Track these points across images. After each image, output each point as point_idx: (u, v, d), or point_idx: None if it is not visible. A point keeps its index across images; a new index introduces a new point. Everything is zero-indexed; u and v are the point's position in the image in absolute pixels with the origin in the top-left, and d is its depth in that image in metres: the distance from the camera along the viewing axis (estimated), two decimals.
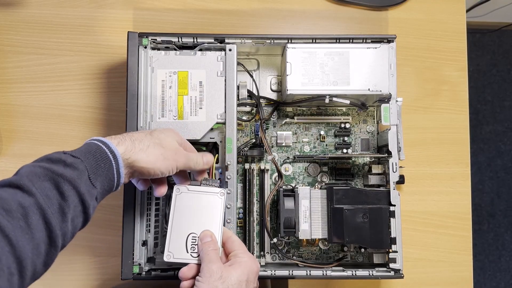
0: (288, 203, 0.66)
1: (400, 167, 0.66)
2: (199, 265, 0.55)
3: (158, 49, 0.67)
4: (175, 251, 0.57)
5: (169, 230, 0.58)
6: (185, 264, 0.56)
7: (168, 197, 0.68)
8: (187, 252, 0.57)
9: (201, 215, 0.59)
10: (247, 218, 0.71)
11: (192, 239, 0.57)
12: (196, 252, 0.57)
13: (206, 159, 0.61)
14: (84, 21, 0.78)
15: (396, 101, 0.66)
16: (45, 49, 0.78)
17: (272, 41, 0.67)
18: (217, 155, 0.67)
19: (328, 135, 0.74)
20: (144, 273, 0.63)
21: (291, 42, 0.66)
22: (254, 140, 0.70)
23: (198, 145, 0.68)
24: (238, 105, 0.70)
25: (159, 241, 0.68)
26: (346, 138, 0.73)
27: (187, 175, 0.61)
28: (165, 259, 0.57)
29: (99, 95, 0.77)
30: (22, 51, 0.78)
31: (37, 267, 0.41)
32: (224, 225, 0.61)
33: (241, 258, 0.55)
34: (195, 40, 0.66)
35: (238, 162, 0.72)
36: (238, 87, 0.67)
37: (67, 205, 0.43)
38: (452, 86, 0.79)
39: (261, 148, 0.71)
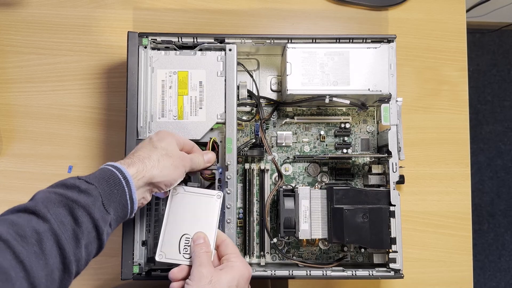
0: (288, 203, 0.66)
1: (400, 167, 0.66)
2: (190, 266, 0.55)
3: (158, 49, 0.67)
4: (167, 251, 0.57)
5: (163, 230, 0.58)
6: (177, 265, 0.56)
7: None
8: (180, 253, 0.57)
9: (196, 217, 0.59)
10: (247, 218, 0.71)
11: (186, 240, 0.57)
12: (189, 254, 0.57)
13: (207, 158, 0.61)
14: (84, 21, 0.78)
15: (396, 101, 0.66)
16: (45, 49, 0.78)
17: (272, 41, 0.67)
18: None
19: (328, 135, 0.74)
20: (144, 273, 0.63)
21: (291, 42, 0.66)
22: (254, 140, 0.70)
23: (198, 145, 0.67)
24: (238, 105, 0.70)
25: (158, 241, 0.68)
26: (346, 138, 0.73)
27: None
28: (157, 258, 0.57)
29: (99, 95, 0.77)
30: (22, 51, 0.78)
31: None
32: (220, 228, 0.61)
33: (233, 262, 0.54)
34: (195, 40, 0.66)
35: (238, 162, 0.72)
36: (238, 87, 0.67)
37: (81, 231, 0.44)
38: (452, 86, 0.79)
39: (261, 148, 0.71)
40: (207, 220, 0.58)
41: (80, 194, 0.45)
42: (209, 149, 0.65)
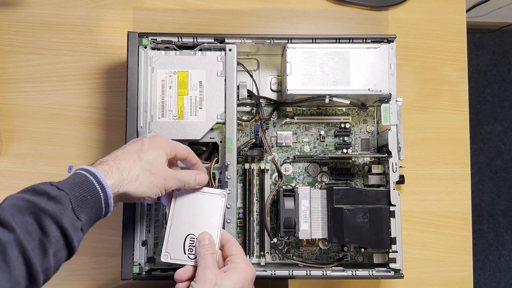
0: (288, 203, 0.66)
1: (400, 167, 0.66)
2: (195, 267, 0.55)
3: (158, 49, 0.67)
4: (172, 251, 0.57)
5: (168, 230, 0.57)
6: (182, 265, 0.56)
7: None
8: (185, 253, 0.56)
9: (200, 216, 0.58)
10: (247, 218, 0.71)
11: (190, 240, 0.57)
12: (194, 254, 0.56)
13: (199, 180, 0.58)
14: (84, 21, 0.78)
15: (396, 101, 0.66)
16: (45, 49, 0.78)
17: (272, 41, 0.67)
18: (216, 155, 0.67)
19: (328, 135, 0.74)
20: (144, 273, 0.63)
21: (291, 42, 0.66)
22: (254, 140, 0.70)
23: (198, 145, 0.68)
24: (238, 105, 0.70)
25: (159, 241, 0.68)
26: (346, 138, 0.73)
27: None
28: (162, 259, 0.57)
29: (99, 95, 0.77)
30: (22, 51, 0.78)
31: None
32: (224, 227, 0.60)
33: (237, 264, 0.54)
34: (195, 40, 0.66)
35: (238, 162, 0.72)
36: (238, 87, 0.67)
37: (48, 240, 0.42)
38: (452, 86, 0.79)
39: (261, 148, 0.71)
40: (211, 220, 0.58)
41: (49, 201, 0.43)
42: (209, 173, 0.65)
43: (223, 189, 0.60)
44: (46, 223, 0.42)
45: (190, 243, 0.57)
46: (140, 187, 0.50)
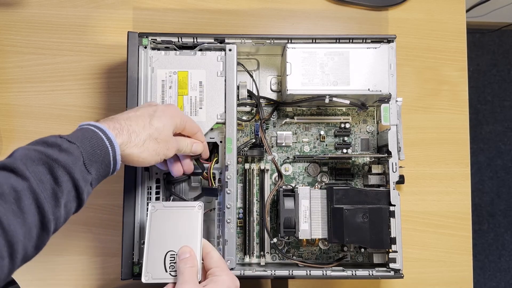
0: (288, 203, 0.66)
1: (400, 167, 0.66)
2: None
3: (158, 49, 0.67)
4: (153, 271, 0.55)
5: (146, 250, 0.56)
6: (165, 284, 0.54)
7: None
8: (166, 271, 0.55)
9: (178, 232, 0.56)
10: (247, 218, 0.71)
11: (171, 257, 0.55)
12: (175, 271, 0.54)
13: (194, 148, 0.60)
14: (84, 21, 0.78)
15: (396, 101, 0.66)
16: (45, 49, 0.78)
17: (272, 41, 0.67)
18: (216, 155, 0.67)
19: (328, 135, 0.74)
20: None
21: (291, 42, 0.66)
22: (254, 140, 0.70)
23: None
24: (238, 105, 0.70)
25: None
26: (346, 138, 0.73)
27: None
28: (143, 280, 0.55)
29: (99, 95, 0.77)
30: (22, 51, 0.78)
31: (28, 251, 0.41)
32: (207, 237, 0.60)
33: (217, 277, 0.53)
34: (195, 40, 0.66)
35: (238, 162, 0.72)
36: (238, 87, 0.67)
37: (61, 190, 0.43)
38: (452, 86, 0.79)
39: (261, 148, 0.71)
40: (190, 233, 0.56)
41: (61, 153, 0.44)
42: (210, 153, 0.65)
43: (199, 201, 0.59)
44: (59, 173, 0.43)
45: (171, 260, 0.55)
46: (144, 152, 0.52)
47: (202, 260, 0.56)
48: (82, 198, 0.46)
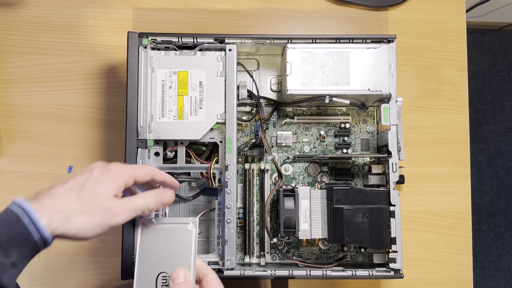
0: (288, 203, 0.66)
1: (400, 167, 0.66)
2: None
3: (158, 49, 0.67)
4: None
5: (136, 270, 0.52)
6: None
7: None
8: None
9: (171, 251, 0.53)
10: (247, 218, 0.71)
11: (163, 279, 0.51)
12: None
13: (161, 200, 0.53)
14: (84, 21, 0.78)
15: (396, 101, 0.66)
16: (45, 49, 0.78)
17: (272, 41, 0.67)
18: (216, 155, 0.67)
19: (328, 135, 0.74)
20: None
21: (291, 42, 0.66)
22: (254, 140, 0.70)
23: (198, 145, 0.68)
24: (238, 105, 0.70)
25: None
26: (346, 138, 0.73)
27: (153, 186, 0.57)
28: None
29: (99, 95, 0.77)
30: (22, 51, 0.78)
31: None
32: (199, 253, 0.57)
33: None
34: (195, 40, 0.66)
35: (238, 162, 0.72)
36: (238, 87, 0.67)
37: None
38: (452, 86, 0.79)
39: (261, 148, 0.71)
40: (183, 253, 0.52)
41: None
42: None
43: (193, 217, 0.56)
44: None
45: (162, 283, 0.51)
46: (72, 229, 0.47)
47: (198, 280, 0.53)
48: (2, 282, 0.42)
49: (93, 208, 0.48)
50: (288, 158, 0.73)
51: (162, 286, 0.51)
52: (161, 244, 0.54)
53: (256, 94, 0.72)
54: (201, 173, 0.68)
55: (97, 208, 0.48)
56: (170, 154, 0.67)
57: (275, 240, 0.70)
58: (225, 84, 0.66)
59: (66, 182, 0.50)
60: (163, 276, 0.52)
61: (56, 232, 0.46)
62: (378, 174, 0.69)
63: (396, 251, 0.64)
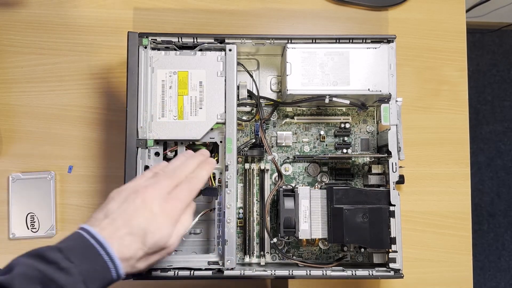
0: (288, 203, 0.66)
1: (400, 167, 0.66)
2: None
3: (158, 49, 0.67)
4: (17, 231, 0.73)
5: (9, 214, 0.74)
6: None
7: None
8: (28, 229, 0.72)
9: (36, 197, 0.73)
10: (247, 218, 0.71)
11: (31, 217, 0.72)
12: (35, 228, 0.72)
13: (206, 171, 0.57)
14: (84, 21, 0.78)
15: (396, 101, 0.66)
16: (45, 49, 0.78)
17: (272, 41, 0.67)
18: (216, 155, 0.67)
19: (328, 135, 0.74)
20: (144, 273, 0.63)
21: (291, 42, 0.66)
22: (254, 140, 0.70)
23: (198, 145, 0.68)
24: (238, 105, 0.70)
25: None
26: (346, 138, 0.73)
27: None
28: (10, 238, 0.72)
29: (99, 95, 0.77)
30: (22, 51, 0.78)
31: None
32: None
33: None
34: (195, 40, 0.66)
35: (238, 162, 0.72)
36: (238, 87, 0.67)
37: None
38: (452, 86, 0.79)
39: (261, 148, 0.71)
40: (46, 198, 0.72)
41: (59, 273, 0.43)
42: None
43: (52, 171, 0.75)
44: None
45: (31, 219, 0.72)
46: (133, 271, 0.50)
47: None
48: None
49: (155, 251, 0.50)
50: (288, 158, 0.73)
51: (30, 222, 0.72)
52: (27, 192, 0.73)
53: (256, 94, 0.72)
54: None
55: (159, 251, 0.51)
56: (170, 154, 0.67)
57: (275, 240, 0.70)
58: (225, 84, 0.66)
59: (129, 219, 0.49)
60: (30, 216, 0.73)
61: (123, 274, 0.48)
62: (378, 174, 0.69)
63: (396, 251, 0.64)
